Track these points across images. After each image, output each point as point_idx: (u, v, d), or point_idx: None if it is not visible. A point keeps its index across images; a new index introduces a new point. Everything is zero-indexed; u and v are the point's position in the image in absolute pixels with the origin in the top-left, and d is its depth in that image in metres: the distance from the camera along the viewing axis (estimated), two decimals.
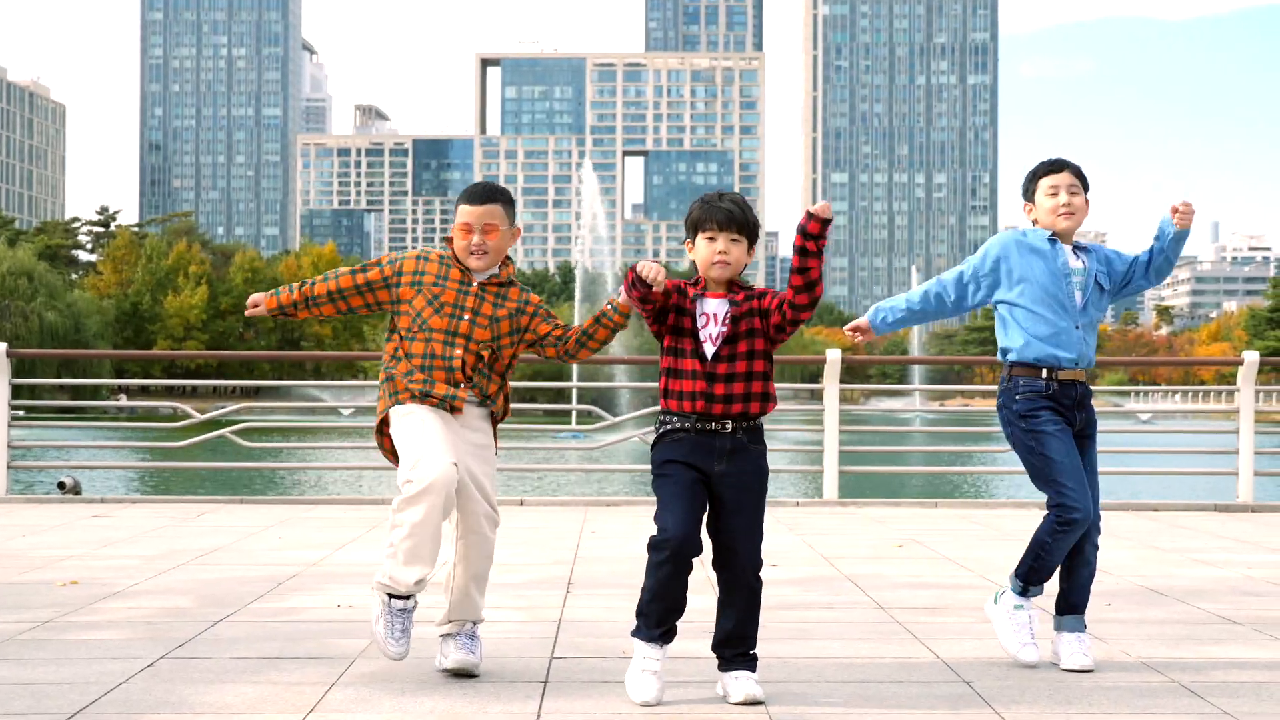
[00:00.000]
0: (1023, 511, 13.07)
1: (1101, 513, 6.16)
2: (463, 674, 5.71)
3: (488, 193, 5.84)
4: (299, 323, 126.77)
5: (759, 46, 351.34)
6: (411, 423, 5.63)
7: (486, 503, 5.72)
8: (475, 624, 5.84)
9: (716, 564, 5.46)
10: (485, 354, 5.79)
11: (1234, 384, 14.26)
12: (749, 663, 5.42)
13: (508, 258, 5.95)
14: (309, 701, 5.28)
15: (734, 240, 5.45)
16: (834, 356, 13.95)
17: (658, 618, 5.38)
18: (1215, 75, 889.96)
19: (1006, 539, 10.92)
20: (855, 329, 6.36)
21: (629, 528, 11.45)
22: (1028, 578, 6.09)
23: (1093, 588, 6.24)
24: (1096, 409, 6.33)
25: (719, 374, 5.41)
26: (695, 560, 5.37)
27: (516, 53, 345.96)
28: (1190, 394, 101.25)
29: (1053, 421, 6.00)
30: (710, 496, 5.43)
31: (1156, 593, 8.17)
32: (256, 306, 6.01)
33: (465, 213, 5.79)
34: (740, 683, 5.34)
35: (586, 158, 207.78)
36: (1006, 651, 6.11)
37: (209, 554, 9.64)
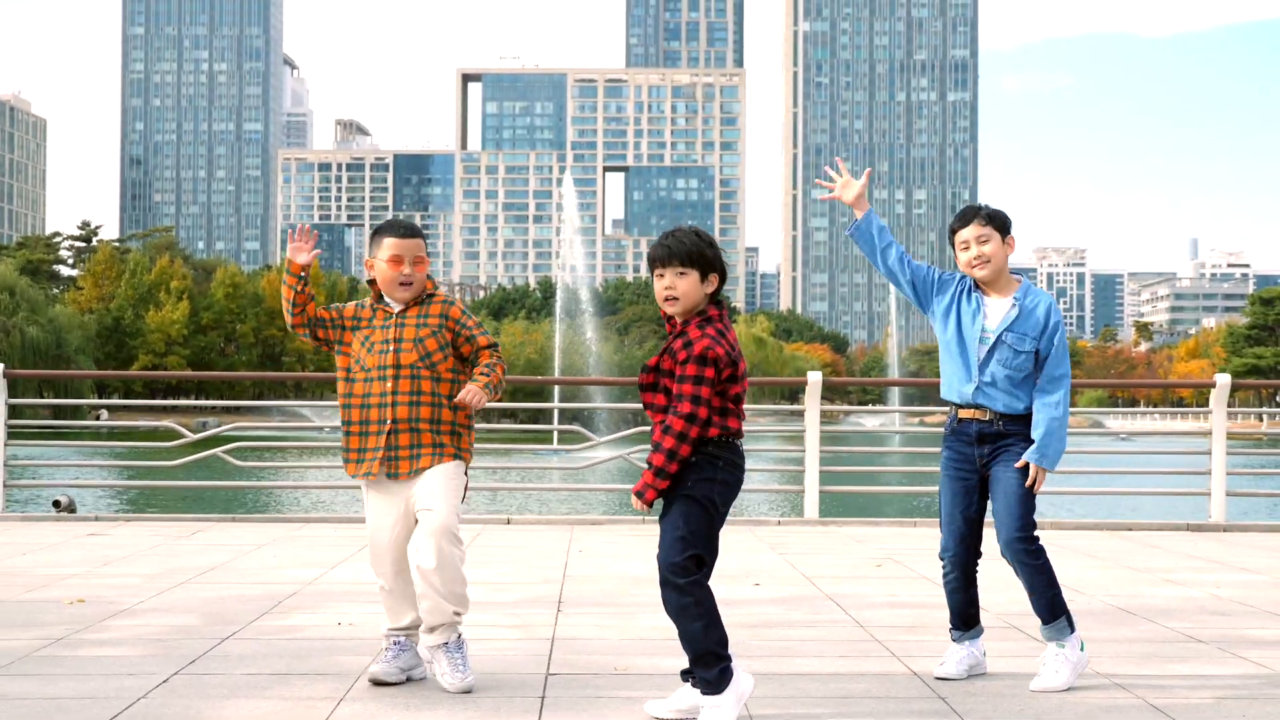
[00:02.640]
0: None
1: (1032, 535, 6.41)
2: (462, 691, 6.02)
3: (413, 228, 6.22)
4: (281, 338, 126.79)
5: (739, 63, 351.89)
6: (364, 499, 6.33)
7: (437, 519, 6.01)
8: (458, 635, 6.15)
9: None
10: (424, 374, 6.11)
11: (1208, 404, 14.53)
12: (698, 681, 5.49)
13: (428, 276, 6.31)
14: (319, 716, 5.56)
15: (680, 274, 5.49)
16: (815, 379, 14.21)
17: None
18: (1196, 91, 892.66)
19: (981, 558, 11.17)
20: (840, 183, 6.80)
21: (615, 547, 11.72)
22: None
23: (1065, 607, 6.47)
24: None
25: (655, 422, 5.63)
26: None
27: (498, 68, 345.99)
28: (1168, 414, 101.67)
29: (945, 462, 6.49)
30: None
31: (1126, 612, 8.45)
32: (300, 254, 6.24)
33: (395, 245, 6.12)
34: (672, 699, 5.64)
35: (567, 172, 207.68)
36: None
37: (207, 572, 9.88)
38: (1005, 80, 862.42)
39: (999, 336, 6.30)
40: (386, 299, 6.23)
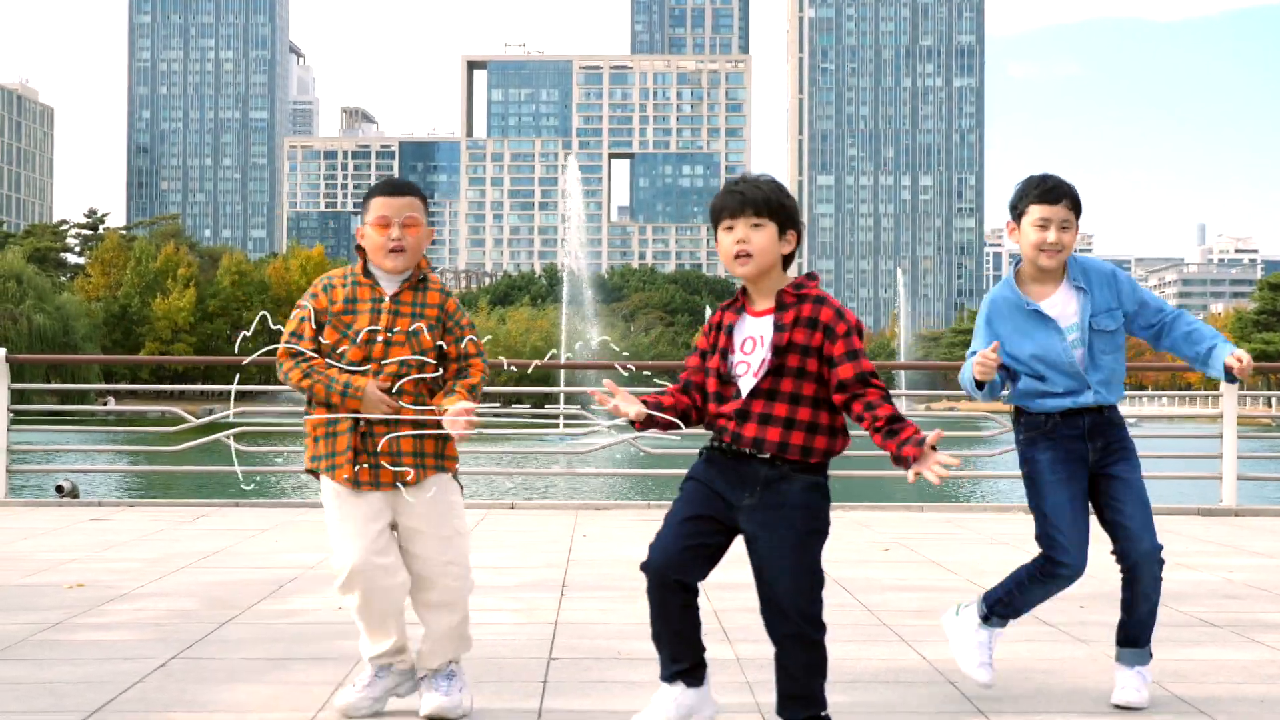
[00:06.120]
0: (1006, 515, 13.26)
1: (1151, 533, 5.69)
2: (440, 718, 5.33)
3: (405, 185, 5.38)
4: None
5: (745, 49, 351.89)
6: (329, 503, 5.34)
7: (450, 548, 5.35)
8: (452, 663, 5.48)
9: (763, 613, 4.78)
10: (414, 372, 5.25)
11: (1218, 388, 14.46)
12: None
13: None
14: (318, 700, 5.48)
15: (756, 225, 4.61)
16: None
17: (667, 651, 4.80)
18: (1203, 77, 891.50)
19: (991, 543, 11.11)
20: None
21: (619, 531, 11.64)
22: (994, 608, 5.74)
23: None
24: None
25: (753, 412, 4.65)
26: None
27: (503, 55, 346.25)
28: (1178, 398, 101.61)
29: (1051, 464, 5.58)
30: (742, 530, 4.78)
31: None
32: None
33: (382, 205, 5.29)
34: None
35: (572, 158, 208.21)
36: (960, 668, 5.79)
37: (209, 557, 9.80)
38: (1011, 66, 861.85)
39: (1091, 327, 5.56)
40: (375, 273, 5.35)
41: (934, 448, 4.44)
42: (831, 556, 9.99)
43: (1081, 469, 5.58)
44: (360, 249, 5.38)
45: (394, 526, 5.37)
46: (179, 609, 7.56)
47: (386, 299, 5.29)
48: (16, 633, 6.79)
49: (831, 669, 6.06)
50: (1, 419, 13.71)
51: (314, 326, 5.30)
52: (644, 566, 4.75)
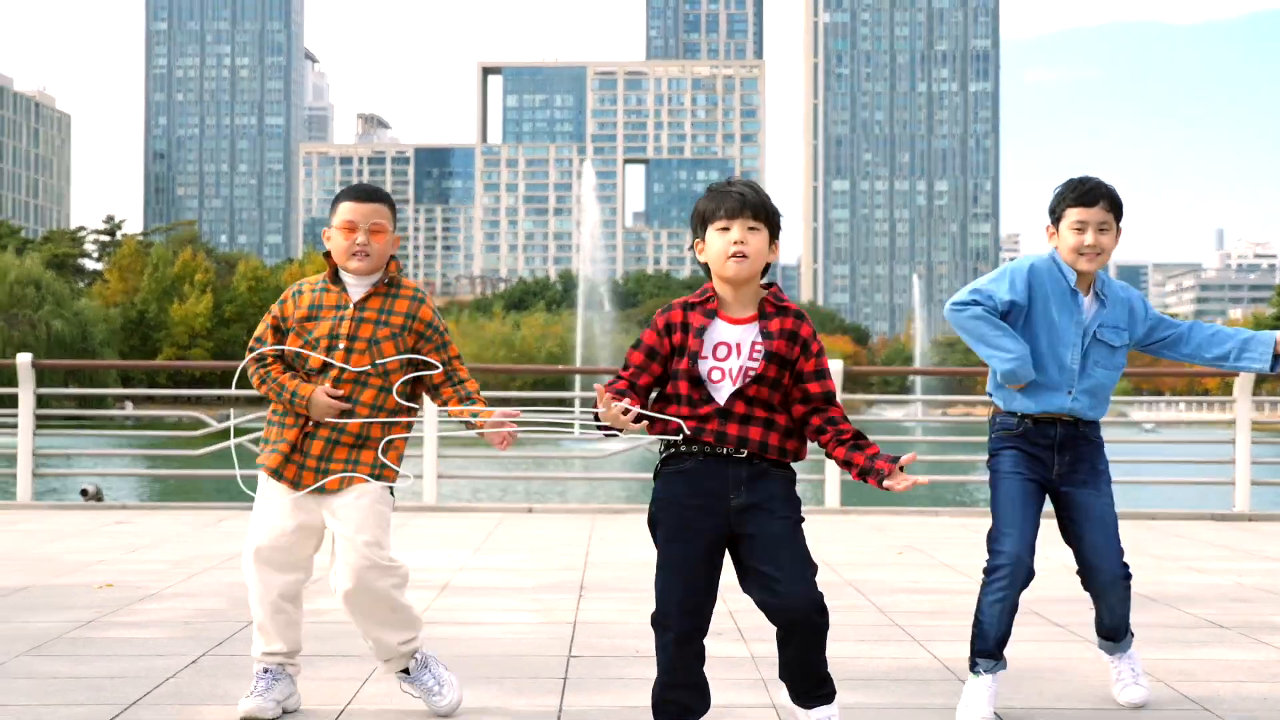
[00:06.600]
0: None
1: (1125, 562, 5.57)
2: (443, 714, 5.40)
3: (374, 192, 5.37)
4: None
5: (759, 54, 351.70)
6: (260, 485, 5.43)
7: (358, 554, 5.21)
8: (416, 656, 5.47)
9: (769, 607, 4.64)
10: (373, 382, 5.26)
11: (1233, 393, 14.50)
12: (826, 701, 4.74)
13: (392, 257, 5.42)
14: (345, 696, 5.63)
15: (752, 229, 4.53)
16: (836, 367, 14.23)
17: (675, 709, 4.59)
18: (1220, 79, 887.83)
19: None
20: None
21: (636, 535, 11.76)
22: (972, 647, 5.45)
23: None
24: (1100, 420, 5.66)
25: (735, 412, 4.56)
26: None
27: (518, 61, 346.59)
28: (1194, 403, 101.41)
29: (1013, 463, 5.48)
30: (731, 535, 4.60)
31: (1148, 599, 8.46)
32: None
33: (349, 210, 5.29)
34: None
35: (587, 164, 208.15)
36: None
37: (232, 559, 9.95)
38: (1027, 71, 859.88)
39: (1093, 333, 5.48)
40: (345, 279, 5.35)
41: (902, 468, 4.48)
42: (845, 559, 10.17)
43: (1038, 472, 5.49)
44: (328, 255, 5.39)
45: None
46: (207, 608, 7.73)
47: (351, 306, 5.30)
48: (51, 630, 6.96)
49: (845, 667, 6.22)
50: (28, 424, 13.91)
51: (274, 333, 5.40)
52: (661, 623, 4.57)
